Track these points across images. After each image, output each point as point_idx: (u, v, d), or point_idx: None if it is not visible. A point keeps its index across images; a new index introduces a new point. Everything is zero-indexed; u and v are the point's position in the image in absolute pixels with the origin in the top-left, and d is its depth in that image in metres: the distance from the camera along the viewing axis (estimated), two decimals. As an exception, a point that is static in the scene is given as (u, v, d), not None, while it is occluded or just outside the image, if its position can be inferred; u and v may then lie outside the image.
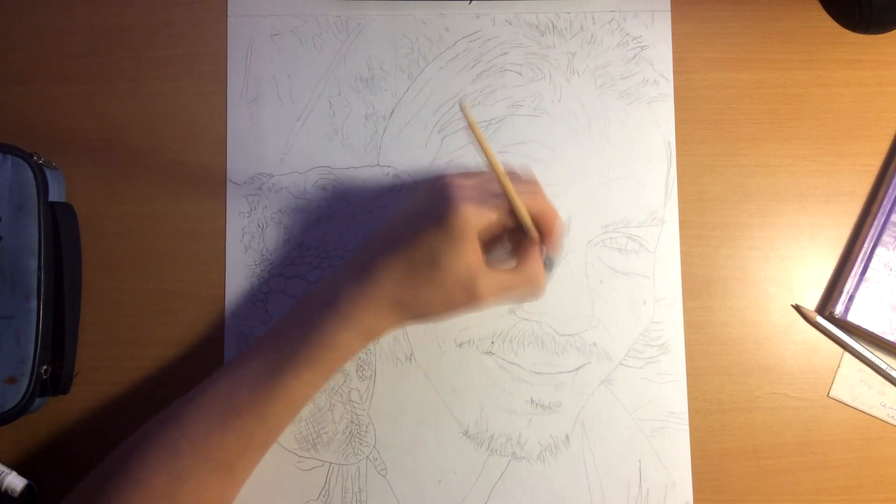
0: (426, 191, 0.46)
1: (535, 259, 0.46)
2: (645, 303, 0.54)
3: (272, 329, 0.47)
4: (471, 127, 0.41)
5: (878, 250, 0.53)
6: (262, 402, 0.44)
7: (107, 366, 0.53)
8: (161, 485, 0.43)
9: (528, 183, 0.47)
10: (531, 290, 0.46)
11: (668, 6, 0.57)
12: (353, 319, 0.45)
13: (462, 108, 0.40)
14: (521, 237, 0.47)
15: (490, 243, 0.49)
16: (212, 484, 0.44)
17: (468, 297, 0.44)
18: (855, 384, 0.53)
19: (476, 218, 0.43)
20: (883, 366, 0.53)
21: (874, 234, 0.54)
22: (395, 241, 0.45)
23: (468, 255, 0.43)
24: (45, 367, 0.50)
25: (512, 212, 0.44)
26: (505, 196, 0.44)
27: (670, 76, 0.56)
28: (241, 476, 0.46)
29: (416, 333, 0.53)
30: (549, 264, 0.49)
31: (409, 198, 0.48)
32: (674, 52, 0.56)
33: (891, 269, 0.53)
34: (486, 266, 0.44)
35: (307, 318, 0.45)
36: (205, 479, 0.44)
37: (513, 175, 0.46)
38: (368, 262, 0.45)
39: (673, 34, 0.56)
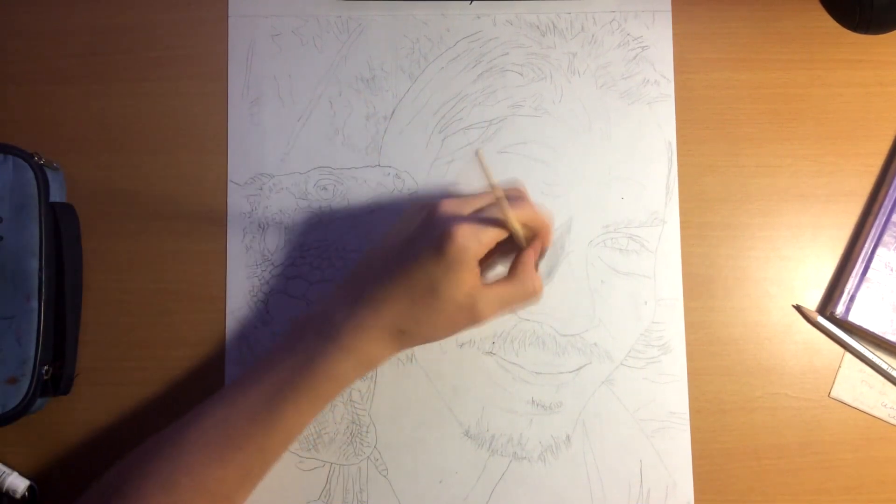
0: (421, 219, 0.46)
1: (529, 268, 0.46)
2: (646, 303, 0.54)
3: (269, 357, 0.47)
4: (483, 168, 0.42)
5: (879, 250, 0.53)
6: (261, 435, 0.44)
7: (107, 366, 0.53)
8: None
9: (515, 190, 0.47)
10: (529, 297, 0.46)
11: (668, 6, 0.57)
12: (351, 350, 0.44)
13: (478, 156, 0.41)
14: (511, 245, 0.47)
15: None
16: None
17: (469, 319, 0.45)
18: (856, 384, 0.53)
19: (474, 245, 0.43)
20: (884, 366, 0.53)
21: (875, 234, 0.54)
22: (391, 269, 0.45)
23: (467, 281, 0.43)
24: (46, 367, 0.50)
25: (504, 227, 0.44)
26: (497, 212, 0.44)
27: (671, 76, 0.56)
28: (239, 502, 0.46)
29: (417, 334, 0.53)
30: (546, 267, 0.49)
31: (402, 222, 0.48)
32: (674, 53, 0.56)
33: (892, 270, 0.53)
34: (483, 284, 0.45)
35: (304, 347, 0.45)
36: None
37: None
38: (366, 290, 0.45)
39: (674, 34, 0.56)
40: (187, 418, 0.46)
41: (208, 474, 0.43)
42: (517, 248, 0.47)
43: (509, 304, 0.46)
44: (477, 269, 0.44)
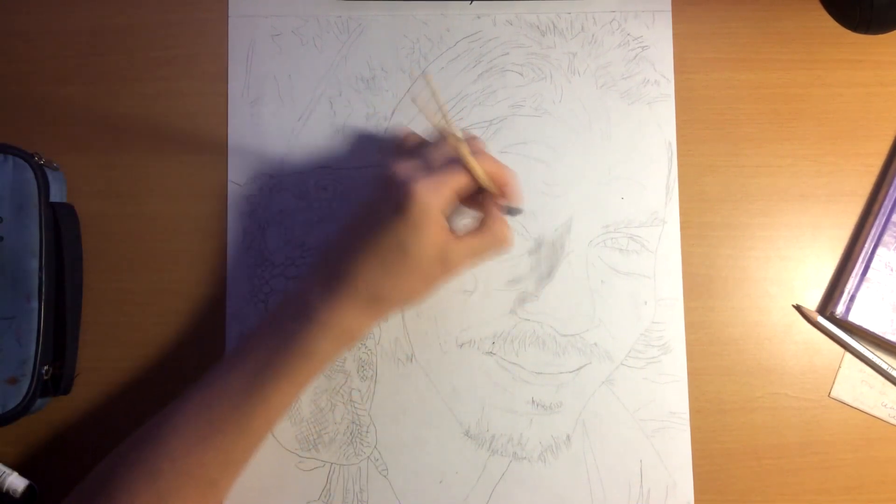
0: (377, 184, 0.46)
1: (496, 216, 0.46)
2: (646, 303, 0.54)
3: (244, 344, 0.46)
4: (434, 94, 0.42)
5: (879, 250, 0.53)
6: (242, 416, 0.44)
7: (108, 366, 0.53)
8: None
9: (473, 141, 0.47)
10: (499, 245, 0.47)
11: (668, 6, 0.57)
12: (328, 326, 0.44)
13: (426, 79, 0.41)
14: (476, 196, 0.47)
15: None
16: (195, 501, 0.44)
17: (442, 272, 0.45)
18: (856, 384, 0.53)
19: (436, 199, 0.43)
20: (884, 366, 0.53)
21: (875, 234, 0.54)
22: (359, 239, 0.45)
23: (435, 235, 0.43)
24: (46, 367, 0.50)
25: (463, 175, 0.44)
26: (454, 161, 0.44)
27: (671, 76, 0.56)
28: (224, 490, 0.46)
29: (417, 334, 0.53)
30: (513, 212, 0.49)
31: (364, 197, 0.48)
32: (675, 53, 0.56)
33: (892, 270, 0.53)
34: (454, 237, 0.45)
35: (281, 329, 0.45)
36: (187, 497, 0.43)
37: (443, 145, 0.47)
38: (337, 265, 0.45)
39: (674, 34, 0.56)
40: (171, 406, 0.46)
41: (191, 459, 0.43)
42: (483, 198, 0.47)
43: (480, 254, 0.46)
44: (444, 223, 0.44)
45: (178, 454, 0.43)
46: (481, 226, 0.46)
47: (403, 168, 0.44)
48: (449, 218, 0.46)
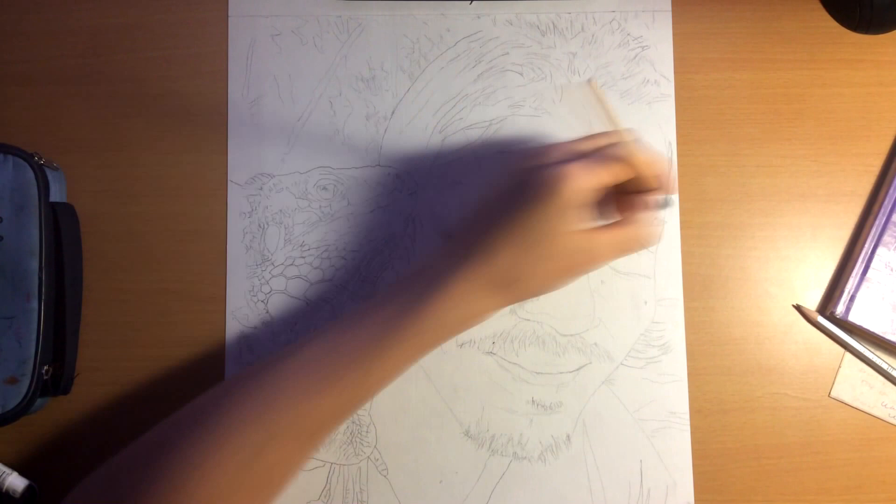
0: (526, 166, 0.44)
1: (644, 210, 0.44)
2: (646, 303, 0.54)
3: (372, 302, 0.45)
4: (599, 99, 0.41)
5: (880, 250, 0.53)
6: (356, 371, 0.42)
7: (107, 366, 0.53)
8: (246, 446, 0.40)
9: (628, 132, 0.45)
10: (645, 240, 0.44)
11: (668, 6, 0.57)
12: (459, 299, 0.43)
13: (591, 86, 0.41)
14: (619, 192, 0.46)
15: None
16: (291, 451, 0.42)
17: (586, 262, 0.43)
18: (856, 384, 0.53)
19: (590, 185, 0.41)
20: (884, 366, 0.53)
21: (875, 233, 0.54)
22: (500, 219, 0.43)
23: (582, 221, 0.42)
24: (46, 367, 0.50)
25: (619, 168, 0.43)
26: (607, 151, 0.43)
27: (671, 76, 0.56)
28: (321, 442, 0.44)
29: (417, 334, 0.53)
30: (668, 204, 0.47)
31: (501, 177, 0.46)
32: (675, 53, 0.56)
33: (892, 269, 0.53)
34: (598, 227, 0.43)
35: (412, 292, 0.44)
36: (283, 447, 0.42)
37: (606, 136, 0.45)
38: (474, 243, 0.44)
39: (674, 34, 0.56)
40: (287, 349, 0.44)
41: (297, 410, 0.42)
42: (630, 195, 0.45)
43: (625, 247, 0.44)
44: (592, 212, 0.43)
45: (284, 404, 0.42)
46: (626, 218, 0.45)
47: (556, 150, 0.43)
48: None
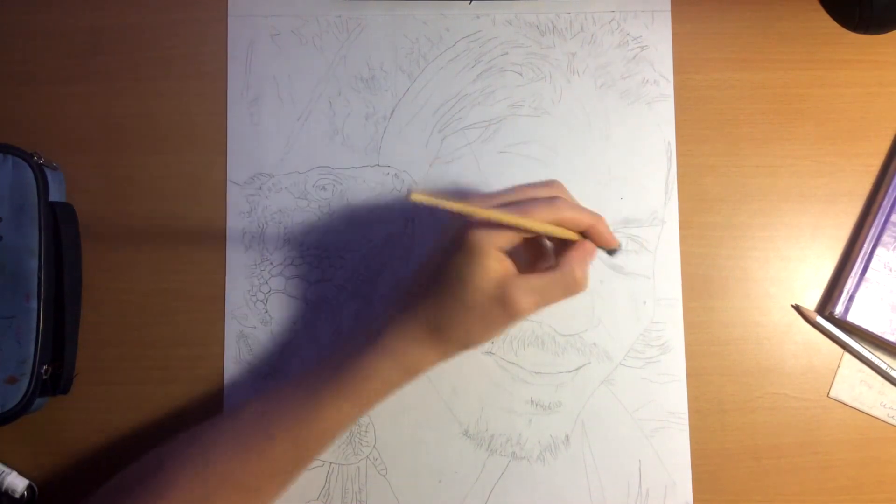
0: (454, 224, 0.46)
1: (570, 258, 0.44)
2: (645, 303, 0.54)
3: (314, 364, 0.48)
4: (435, 203, 0.40)
5: (879, 250, 0.53)
6: (294, 426, 0.45)
7: (107, 366, 0.53)
8: (186, 501, 0.43)
9: (548, 188, 0.46)
10: (569, 288, 0.44)
11: (668, 6, 0.57)
12: (391, 351, 0.45)
13: (413, 199, 0.39)
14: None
15: (530, 250, 0.48)
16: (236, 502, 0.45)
17: (503, 309, 0.43)
18: (855, 384, 0.53)
19: (488, 235, 0.43)
20: (883, 366, 0.53)
21: (874, 234, 0.54)
22: (426, 272, 0.46)
23: (493, 267, 0.43)
24: (45, 367, 0.50)
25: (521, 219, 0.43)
26: (513, 205, 0.43)
27: (670, 76, 0.56)
28: (269, 498, 0.46)
29: (417, 333, 0.53)
30: (611, 253, 0.47)
31: (444, 234, 0.48)
32: (674, 53, 0.56)
33: (891, 270, 0.53)
34: (517, 274, 0.44)
35: (347, 352, 0.46)
36: (229, 499, 0.44)
37: (532, 188, 0.46)
38: (404, 298, 0.46)
39: (673, 34, 0.56)
40: (222, 415, 0.47)
41: (237, 465, 0.44)
42: (566, 243, 0.45)
43: (545, 294, 0.44)
44: (503, 258, 0.43)
45: (227, 458, 0.44)
46: (555, 265, 0.45)
47: (483, 201, 0.45)
48: (519, 256, 0.45)
